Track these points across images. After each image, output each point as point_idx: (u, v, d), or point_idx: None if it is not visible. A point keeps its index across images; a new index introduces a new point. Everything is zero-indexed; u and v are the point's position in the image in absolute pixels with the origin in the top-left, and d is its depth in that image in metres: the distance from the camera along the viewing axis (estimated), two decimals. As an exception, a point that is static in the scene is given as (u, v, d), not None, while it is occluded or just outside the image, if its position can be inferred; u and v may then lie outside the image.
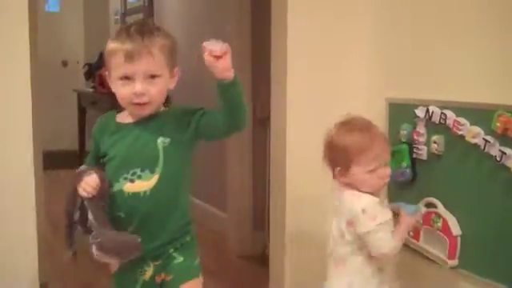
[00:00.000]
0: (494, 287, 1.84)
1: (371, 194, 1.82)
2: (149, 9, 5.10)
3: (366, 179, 1.81)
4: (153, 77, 1.62)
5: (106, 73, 1.71)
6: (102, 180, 1.62)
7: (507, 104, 1.75)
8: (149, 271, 1.70)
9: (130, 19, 5.59)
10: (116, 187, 1.65)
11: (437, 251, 2.02)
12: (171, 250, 1.70)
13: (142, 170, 1.64)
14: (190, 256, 1.73)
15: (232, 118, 1.65)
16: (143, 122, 1.69)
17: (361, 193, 1.82)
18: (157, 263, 1.70)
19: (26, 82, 1.98)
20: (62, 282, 2.95)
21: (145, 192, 1.64)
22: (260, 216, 3.37)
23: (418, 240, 2.09)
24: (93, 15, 6.44)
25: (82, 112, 5.65)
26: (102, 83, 4.71)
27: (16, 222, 2.00)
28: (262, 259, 2.86)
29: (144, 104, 1.64)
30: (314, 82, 2.34)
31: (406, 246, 2.13)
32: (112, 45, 1.63)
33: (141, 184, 1.64)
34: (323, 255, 1.91)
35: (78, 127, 5.58)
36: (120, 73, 1.62)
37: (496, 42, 1.83)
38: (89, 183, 1.61)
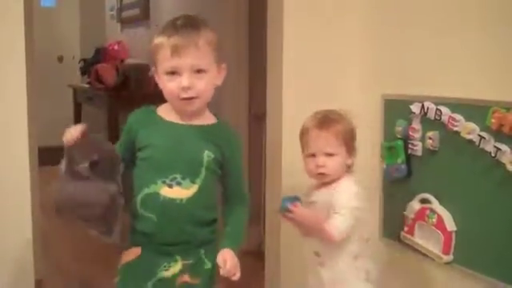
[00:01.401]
0: (488, 282, 1.85)
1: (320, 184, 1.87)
2: (145, 4, 5.08)
3: (306, 163, 1.87)
4: (199, 71, 1.60)
5: (153, 68, 1.67)
6: (84, 134, 1.61)
7: (502, 100, 1.76)
8: (175, 268, 1.66)
9: (125, 14, 5.58)
10: (152, 189, 1.62)
11: (431, 246, 2.03)
12: (202, 252, 1.69)
13: (183, 178, 1.62)
14: (214, 261, 1.66)
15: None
16: (191, 126, 1.67)
17: None
18: (186, 262, 1.67)
19: (21, 77, 1.97)
20: (58, 278, 2.95)
21: (181, 200, 1.62)
22: (256, 211, 3.37)
23: (412, 235, 2.10)
24: (89, 10, 6.42)
25: (77, 107, 5.63)
26: (98, 78, 4.70)
27: (11, 218, 2.00)
28: (257, 254, 2.86)
29: (192, 98, 1.61)
30: (309, 78, 2.34)
31: (400, 241, 2.14)
32: (158, 39, 1.61)
33: (179, 191, 1.62)
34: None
35: (74, 123, 5.56)
36: (166, 67, 1.59)
37: (491, 38, 1.83)
38: (70, 131, 1.64)
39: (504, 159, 1.75)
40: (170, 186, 1.61)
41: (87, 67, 5.24)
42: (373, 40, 2.33)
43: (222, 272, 1.61)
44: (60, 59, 6.50)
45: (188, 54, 1.57)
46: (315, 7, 2.33)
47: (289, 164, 2.33)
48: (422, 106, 2.03)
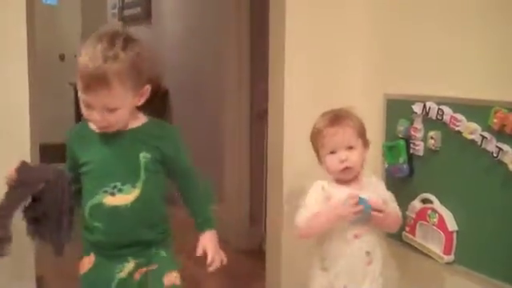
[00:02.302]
0: (489, 283, 1.85)
1: (343, 182, 1.87)
2: (146, 3, 5.08)
3: (327, 162, 1.87)
4: (111, 110, 1.57)
5: None
6: (20, 171, 1.66)
7: (504, 100, 1.76)
8: (128, 267, 1.69)
9: (127, 13, 5.58)
10: (96, 200, 1.64)
11: (432, 246, 2.03)
12: (153, 250, 1.71)
13: (123, 184, 1.64)
14: (172, 252, 1.75)
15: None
16: (121, 132, 1.65)
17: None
18: (138, 261, 1.70)
19: (23, 75, 1.97)
20: (59, 275, 2.95)
21: (126, 205, 1.64)
22: (257, 211, 3.38)
23: (413, 235, 2.10)
24: (90, 9, 6.42)
25: (78, 105, 5.63)
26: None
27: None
28: (258, 253, 2.86)
29: (106, 127, 1.61)
30: (311, 76, 2.34)
31: (401, 240, 2.14)
32: (80, 58, 1.56)
33: (122, 198, 1.64)
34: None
35: (75, 121, 5.56)
36: (81, 97, 1.58)
37: (493, 38, 1.83)
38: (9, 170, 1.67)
39: (506, 159, 1.75)
40: (113, 194, 1.63)
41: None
42: (375, 40, 2.33)
43: (208, 263, 1.70)
44: (62, 57, 6.50)
45: (98, 92, 1.53)
46: (317, 6, 2.33)
47: (291, 163, 2.33)
48: (424, 106, 2.03)
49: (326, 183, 1.89)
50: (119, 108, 1.58)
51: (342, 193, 1.84)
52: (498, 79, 1.82)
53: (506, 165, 1.75)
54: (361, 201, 1.78)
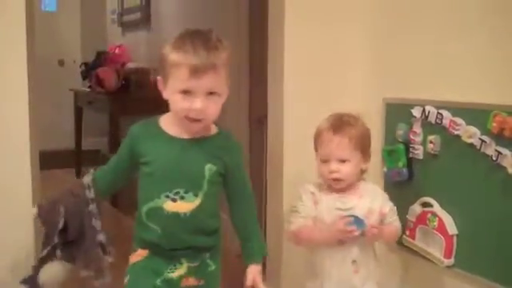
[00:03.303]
0: (489, 286, 1.85)
1: (336, 189, 1.85)
2: (146, 8, 5.09)
3: (319, 168, 1.86)
4: (213, 93, 1.60)
5: (159, 78, 1.67)
6: (40, 216, 1.71)
7: (503, 104, 1.76)
8: (180, 270, 1.68)
9: (126, 18, 5.58)
10: (156, 203, 1.64)
11: (433, 250, 2.03)
12: (207, 255, 1.71)
13: (186, 192, 1.64)
14: (219, 263, 1.75)
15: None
16: (192, 140, 1.67)
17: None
18: (192, 265, 1.69)
19: (22, 81, 1.97)
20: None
21: (185, 213, 1.64)
22: (257, 214, 3.37)
23: (413, 239, 2.10)
24: (90, 15, 6.43)
25: (78, 111, 5.63)
26: (99, 82, 4.70)
27: (13, 221, 2.00)
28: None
29: (199, 120, 1.62)
30: (310, 80, 2.34)
31: (401, 244, 2.14)
32: (176, 56, 1.58)
33: (182, 205, 1.64)
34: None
35: (75, 127, 5.56)
36: (182, 87, 1.58)
37: (492, 42, 1.84)
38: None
39: (505, 163, 1.75)
40: (174, 200, 1.63)
41: (88, 71, 5.24)
42: (374, 44, 2.33)
43: None
44: (61, 63, 6.50)
45: (206, 77, 1.56)
46: (316, 11, 2.33)
47: (290, 167, 2.33)
48: (423, 110, 2.03)
49: (316, 188, 1.88)
50: (220, 94, 1.61)
51: (330, 200, 1.84)
52: (497, 83, 1.82)
53: (505, 168, 1.75)
54: (356, 221, 1.76)
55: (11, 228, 2.00)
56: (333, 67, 2.36)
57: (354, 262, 1.84)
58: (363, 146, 1.85)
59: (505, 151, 1.75)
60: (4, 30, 1.94)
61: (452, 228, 1.96)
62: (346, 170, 1.81)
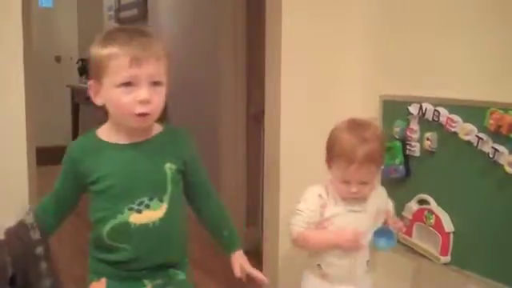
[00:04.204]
0: (486, 283, 1.85)
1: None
2: (143, 5, 5.08)
3: (337, 185, 1.78)
4: (157, 83, 1.46)
5: (91, 82, 1.52)
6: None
7: (500, 101, 1.76)
8: None
9: (123, 15, 5.57)
10: (120, 219, 1.49)
11: (429, 247, 2.03)
12: (170, 271, 1.59)
13: (151, 199, 1.50)
14: (188, 275, 1.64)
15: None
16: (141, 143, 1.53)
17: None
18: (156, 282, 1.56)
19: (19, 77, 1.97)
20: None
21: (154, 222, 1.51)
22: (254, 212, 3.37)
23: (410, 236, 2.10)
24: (86, 11, 6.42)
25: (75, 108, 5.64)
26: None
27: (9, 218, 2.00)
28: (256, 255, 2.86)
29: (147, 115, 1.46)
30: (308, 78, 2.34)
31: (398, 241, 2.14)
32: (110, 49, 1.44)
33: (150, 214, 1.50)
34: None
35: (72, 123, 5.57)
36: (122, 78, 1.43)
37: (489, 39, 1.84)
38: None
39: (502, 160, 1.75)
40: (139, 212, 1.50)
41: (85, 67, 5.24)
42: (372, 41, 2.33)
43: (260, 278, 1.69)
44: (58, 59, 6.49)
45: (148, 64, 1.43)
46: (314, 7, 2.33)
47: (287, 164, 2.33)
48: (420, 107, 2.03)
49: (324, 191, 1.82)
50: (162, 84, 1.48)
51: (339, 209, 1.79)
52: (494, 80, 1.82)
53: (501, 166, 1.75)
54: (384, 233, 1.78)
55: (8, 224, 1.99)
56: (330, 64, 2.36)
57: (368, 262, 1.85)
58: (382, 159, 1.82)
59: (501, 148, 1.75)
60: (0, 26, 1.93)
61: (449, 225, 1.96)
62: (367, 190, 1.78)
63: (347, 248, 1.78)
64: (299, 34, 2.32)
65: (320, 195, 1.81)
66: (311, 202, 1.82)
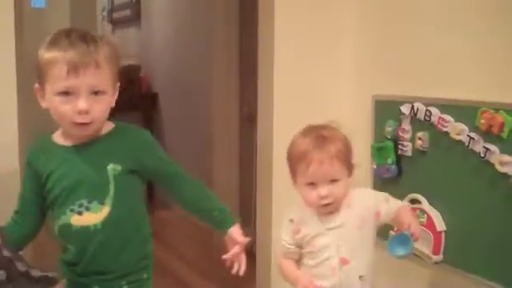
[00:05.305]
0: (478, 282, 1.86)
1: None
2: (136, 5, 5.08)
3: (305, 193, 1.65)
4: (98, 93, 1.43)
5: (36, 86, 1.49)
6: None
7: (491, 101, 1.77)
8: None
9: (116, 15, 5.57)
10: (63, 220, 1.49)
11: (421, 246, 2.03)
12: (123, 283, 1.53)
13: (90, 202, 1.48)
14: (150, 285, 1.58)
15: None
16: (86, 145, 1.50)
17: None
18: None
19: (11, 78, 1.97)
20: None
21: (95, 225, 1.48)
22: (247, 213, 3.37)
23: (403, 236, 2.11)
24: (79, 11, 6.36)
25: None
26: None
27: (3, 222, 1.99)
28: (249, 256, 2.86)
29: (86, 124, 1.44)
30: (300, 78, 2.34)
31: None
32: (51, 53, 1.41)
33: (90, 217, 1.48)
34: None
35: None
36: (60, 87, 1.40)
37: (481, 40, 1.84)
38: None
39: (493, 159, 1.76)
40: (80, 213, 1.47)
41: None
42: (364, 41, 2.34)
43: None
44: (50, 60, 6.47)
45: (87, 73, 1.39)
46: (306, 7, 2.34)
47: (280, 165, 2.33)
48: (412, 107, 2.04)
49: (296, 214, 1.71)
50: (105, 92, 1.44)
51: (318, 228, 1.66)
52: (485, 80, 1.83)
53: (493, 165, 1.76)
54: (400, 239, 1.64)
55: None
56: (322, 65, 2.37)
57: (361, 277, 1.66)
58: (349, 160, 1.66)
59: (493, 148, 1.76)
60: (-7, 27, 1.93)
61: (440, 224, 1.97)
62: (337, 191, 1.62)
63: None
64: (292, 34, 2.32)
65: (291, 220, 1.71)
66: (285, 233, 1.73)
